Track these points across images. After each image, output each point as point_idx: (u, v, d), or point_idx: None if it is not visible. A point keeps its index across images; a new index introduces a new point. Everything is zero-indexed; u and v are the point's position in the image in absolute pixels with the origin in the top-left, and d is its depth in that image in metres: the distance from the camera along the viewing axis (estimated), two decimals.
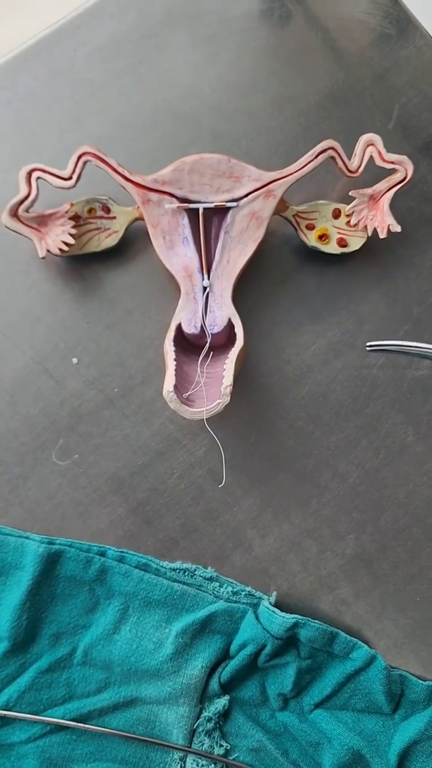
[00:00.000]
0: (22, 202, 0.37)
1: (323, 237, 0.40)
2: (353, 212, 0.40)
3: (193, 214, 0.38)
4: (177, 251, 0.39)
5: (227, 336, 0.39)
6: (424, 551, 0.40)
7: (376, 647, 0.39)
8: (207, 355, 0.38)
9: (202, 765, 0.36)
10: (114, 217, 0.40)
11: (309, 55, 0.44)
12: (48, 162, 0.38)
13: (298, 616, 0.37)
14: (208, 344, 0.38)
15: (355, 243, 0.40)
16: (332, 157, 0.38)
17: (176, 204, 0.38)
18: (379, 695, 0.37)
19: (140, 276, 0.42)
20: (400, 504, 0.40)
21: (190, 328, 0.38)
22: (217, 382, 0.36)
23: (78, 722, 0.35)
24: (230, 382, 0.35)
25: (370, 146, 0.39)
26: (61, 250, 0.39)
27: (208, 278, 0.39)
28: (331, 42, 0.45)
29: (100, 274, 0.42)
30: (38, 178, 0.37)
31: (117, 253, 0.41)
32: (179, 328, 0.38)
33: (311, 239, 0.40)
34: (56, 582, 0.37)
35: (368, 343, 0.40)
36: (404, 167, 0.38)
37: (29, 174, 0.37)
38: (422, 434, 0.41)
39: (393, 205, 0.39)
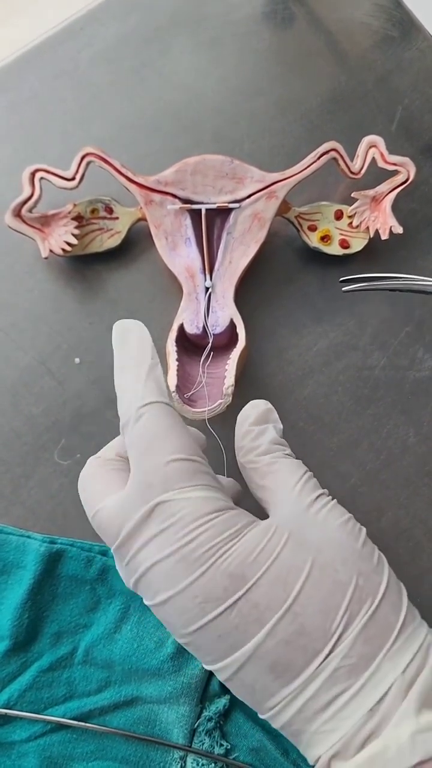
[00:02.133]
0: (25, 202, 0.38)
1: (325, 238, 0.40)
2: (355, 214, 0.40)
3: (195, 215, 0.39)
4: (179, 252, 0.39)
5: (229, 336, 0.39)
6: (425, 553, 0.40)
7: None
8: (209, 356, 0.38)
9: (203, 764, 0.36)
10: (117, 218, 0.40)
11: (312, 57, 0.44)
12: (51, 163, 0.38)
13: None
14: (210, 345, 0.38)
15: (357, 244, 0.41)
16: (335, 159, 0.39)
17: (179, 205, 0.38)
18: None
19: (142, 276, 0.42)
20: (401, 505, 0.40)
21: (192, 329, 0.38)
22: (218, 382, 0.36)
23: (79, 721, 0.35)
24: (232, 382, 0.35)
25: (372, 148, 0.39)
26: (63, 250, 0.39)
27: (211, 279, 0.39)
28: (333, 44, 0.45)
29: (103, 275, 0.42)
30: (41, 178, 0.38)
31: (119, 254, 0.41)
32: (181, 328, 0.38)
33: (313, 240, 0.41)
34: (58, 581, 0.37)
35: (341, 280, 0.38)
36: (406, 169, 0.39)
37: (33, 174, 0.37)
38: (424, 435, 0.41)
39: (395, 207, 0.39)
